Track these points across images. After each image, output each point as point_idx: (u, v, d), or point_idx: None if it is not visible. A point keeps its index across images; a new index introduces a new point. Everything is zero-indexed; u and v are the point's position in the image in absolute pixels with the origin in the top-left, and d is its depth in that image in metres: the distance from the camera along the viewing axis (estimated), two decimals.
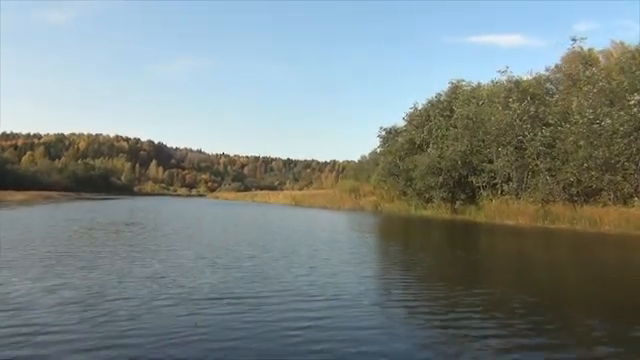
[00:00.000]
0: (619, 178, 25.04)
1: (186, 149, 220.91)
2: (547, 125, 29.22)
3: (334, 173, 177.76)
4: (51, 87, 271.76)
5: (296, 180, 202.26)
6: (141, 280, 8.60)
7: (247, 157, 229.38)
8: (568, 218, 25.20)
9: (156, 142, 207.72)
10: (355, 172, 71.53)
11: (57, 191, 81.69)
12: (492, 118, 32.21)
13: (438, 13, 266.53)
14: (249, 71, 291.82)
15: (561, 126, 27.71)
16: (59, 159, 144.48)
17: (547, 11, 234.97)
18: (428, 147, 38.70)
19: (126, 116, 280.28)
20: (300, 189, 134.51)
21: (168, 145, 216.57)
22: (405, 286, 9.01)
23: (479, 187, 34.23)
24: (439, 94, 42.59)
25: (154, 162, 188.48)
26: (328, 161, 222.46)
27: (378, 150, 53.06)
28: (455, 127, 36.50)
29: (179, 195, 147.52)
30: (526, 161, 30.18)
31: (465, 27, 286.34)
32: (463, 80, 41.89)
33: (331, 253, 13.31)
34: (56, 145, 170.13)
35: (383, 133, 47.84)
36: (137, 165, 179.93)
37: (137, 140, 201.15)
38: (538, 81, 33.85)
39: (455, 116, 36.98)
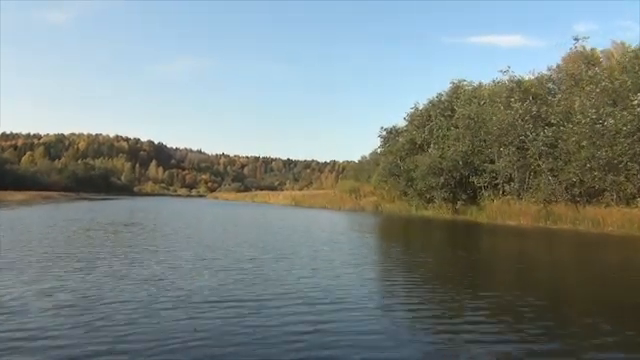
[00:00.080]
0: (622, 178, 24.84)
1: (186, 149, 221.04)
2: (549, 125, 29.05)
3: (334, 173, 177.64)
4: (51, 87, 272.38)
5: (296, 180, 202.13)
6: (139, 282, 8.41)
7: (247, 157, 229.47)
8: (571, 219, 25.02)
9: (156, 142, 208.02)
10: (355, 172, 71.41)
11: (57, 191, 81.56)
12: (494, 118, 32.04)
13: (438, 13, 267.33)
14: (249, 71, 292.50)
15: (563, 126, 27.52)
16: (59, 159, 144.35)
17: (547, 12, 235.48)
18: (429, 147, 38.53)
19: (126, 116, 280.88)
20: (300, 189, 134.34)
21: (168, 145, 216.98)
22: (409, 288, 8.81)
23: (480, 187, 34.07)
24: (440, 94, 42.53)
25: (154, 162, 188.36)
26: (328, 161, 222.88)
27: (379, 150, 52.98)
28: (456, 127, 36.35)
29: (179, 195, 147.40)
30: (528, 161, 30.00)
31: (465, 27, 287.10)
32: (464, 80, 41.82)
33: (332, 254, 13.13)
34: (56, 145, 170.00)
35: (384, 133, 47.70)
36: (137, 165, 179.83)
37: (137, 140, 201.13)
38: (540, 81, 33.67)
39: (456, 116, 36.83)
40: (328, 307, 7.09)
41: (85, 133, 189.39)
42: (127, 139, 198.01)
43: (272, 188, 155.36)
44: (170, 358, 4.87)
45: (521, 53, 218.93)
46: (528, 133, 29.69)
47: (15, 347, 5.02)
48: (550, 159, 28.36)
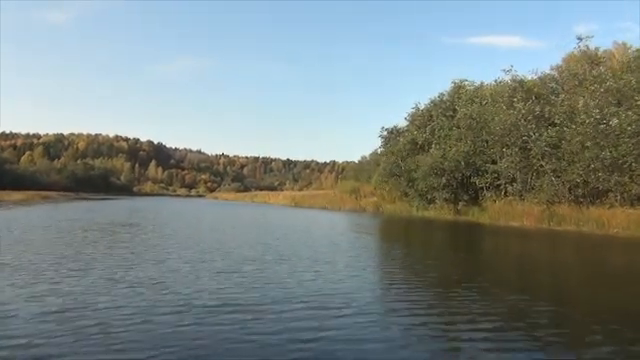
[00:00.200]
0: (626, 179, 24.51)
1: (185, 149, 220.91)
2: (552, 125, 28.72)
3: (334, 174, 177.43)
4: (51, 87, 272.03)
5: (295, 181, 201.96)
6: (136, 286, 8.10)
7: (247, 157, 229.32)
8: (574, 220, 24.70)
9: (155, 142, 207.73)
10: (355, 173, 71.14)
11: (56, 191, 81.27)
12: (496, 118, 31.72)
13: (437, 13, 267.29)
14: (249, 71, 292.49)
15: (567, 126, 27.19)
16: (58, 159, 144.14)
17: (546, 13, 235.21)
18: (430, 147, 38.18)
19: (126, 116, 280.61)
20: (300, 190, 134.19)
21: (167, 145, 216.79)
22: (415, 293, 8.50)
23: (482, 188, 33.77)
24: (442, 94, 42.18)
25: (153, 162, 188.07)
26: (328, 162, 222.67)
27: (379, 150, 52.65)
28: (458, 127, 36.03)
29: (178, 195, 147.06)
30: (531, 162, 29.67)
31: (464, 28, 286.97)
32: (466, 80, 41.48)
33: (335, 256, 12.81)
34: (55, 145, 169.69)
35: (385, 133, 47.29)
36: (136, 165, 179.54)
37: (136, 140, 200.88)
38: (543, 81, 33.35)
39: (458, 116, 36.51)
40: (332, 312, 6.79)
41: (85, 133, 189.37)
42: (127, 139, 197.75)
43: (272, 188, 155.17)
44: None
45: (520, 54, 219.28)
46: (531, 133, 29.36)
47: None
48: (553, 159, 28.03)
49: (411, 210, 38.40)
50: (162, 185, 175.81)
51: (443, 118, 38.98)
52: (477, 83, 40.90)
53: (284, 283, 8.80)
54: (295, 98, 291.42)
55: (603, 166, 24.92)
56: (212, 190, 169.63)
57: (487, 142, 33.35)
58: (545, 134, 28.41)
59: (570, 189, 27.27)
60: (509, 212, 29.25)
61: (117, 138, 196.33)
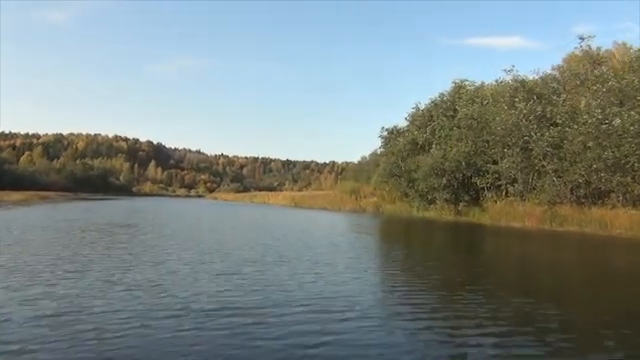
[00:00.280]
0: (629, 180, 24.33)
1: (185, 149, 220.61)
2: (554, 125, 28.52)
3: (333, 174, 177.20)
4: (51, 87, 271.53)
5: (295, 181, 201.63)
6: (133, 289, 7.89)
7: (246, 158, 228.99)
8: (577, 221, 24.50)
9: (155, 142, 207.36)
10: (355, 173, 70.96)
11: (55, 191, 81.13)
12: (497, 118, 31.53)
13: (436, 14, 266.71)
14: (249, 71, 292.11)
15: (569, 126, 26.99)
16: (57, 159, 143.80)
17: (545, 14, 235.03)
18: (431, 148, 37.99)
19: (126, 116, 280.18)
20: (299, 190, 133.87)
21: (167, 145, 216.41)
22: (418, 296, 8.31)
23: (483, 188, 33.59)
24: (442, 94, 41.97)
25: (153, 162, 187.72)
26: (327, 162, 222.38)
27: (379, 151, 52.44)
28: (459, 127, 35.83)
29: (178, 196, 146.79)
30: (532, 162, 29.47)
31: (463, 29, 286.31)
32: (466, 80, 41.29)
33: (335, 257, 12.62)
34: (54, 145, 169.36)
35: (385, 133, 47.04)
36: (136, 165, 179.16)
37: (136, 140, 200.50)
38: (545, 80, 33.14)
39: (459, 116, 36.31)
40: (335, 316, 6.60)
41: (84, 133, 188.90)
42: (126, 139, 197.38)
43: (271, 189, 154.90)
44: None
45: (520, 55, 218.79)
46: (532, 133, 29.18)
47: None
48: (555, 160, 27.84)
49: (411, 210, 38.21)
50: (161, 185, 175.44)
51: (444, 118, 38.79)
52: (478, 83, 40.79)
53: (285, 285, 8.61)
54: (295, 98, 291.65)
55: (605, 166, 24.73)
56: (211, 190, 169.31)
57: (488, 142, 33.16)
58: (547, 134, 28.23)
59: (572, 190, 27.09)
60: (510, 213, 29.06)
61: (116, 138, 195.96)
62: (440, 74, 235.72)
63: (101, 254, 11.95)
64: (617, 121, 24.43)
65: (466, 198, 34.47)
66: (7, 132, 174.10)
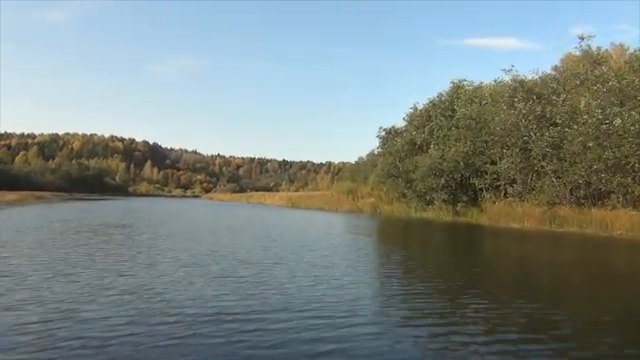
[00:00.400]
0: (629, 180, 24.11)
1: (181, 150, 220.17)
2: (554, 125, 28.28)
3: (330, 175, 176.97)
4: (51, 87, 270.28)
5: (291, 181, 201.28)
6: (125, 294, 7.55)
7: (242, 158, 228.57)
8: (577, 221, 24.26)
9: (151, 142, 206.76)
10: (352, 173, 70.59)
11: (50, 191, 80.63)
12: (496, 118, 31.27)
13: (435, 15, 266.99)
14: (246, 71, 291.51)
15: (569, 127, 26.76)
16: (53, 159, 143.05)
17: (543, 15, 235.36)
18: (429, 148, 37.70)
19: (124, 116, 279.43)
20: (296, 190, 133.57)
21: (163, 145, 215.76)
22: (422, 300, 7.97)
23: (482, 189, 33.35)
24: (440, 94, 41.70)
25: (149, 163, 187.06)
26: (324, 162, 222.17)
27: (376, 151, 52.14)
28: (457, 127, 35.57)
29: (174, 196, 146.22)
30: (531, 162, 29.22)
31: (461, 29, 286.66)
32: (465, 80, 41.06)
33: (334, 259, 12.31)
34: (50, 145, 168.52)
35: (382, 133, 46.74)
36: (132, 165, 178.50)
37: (132, 140, 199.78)
38: (544, 80, 32.90)
39: (457, 116, 36.06)
40: (337, 322, 6.30)
41: (80, 133, 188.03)
42: (122, 139, 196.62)
43: (267, 189, 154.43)
44: None
45: (517, 55, 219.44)
46: (532, 134, 28.94)
47: None
48: (554, 160, 27.60)
49: (409, 211, 37.93)
50: (157, 185, 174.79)
51: (442, 118, 38.52)
52: (476, 83, 40.55)
53: (283, 289, 8.29)
54: (294, 98, 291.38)
55: (605, 167, 24.50)
56: (208, 191, 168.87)
57: (487, 142, 32.91)
58: (546, 134, 27.99)
59: (571, 190, 26.87)
60: (509, 213, 28.82)
61: (112, 138, 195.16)
62: (439, 74, 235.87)
63: (93, 256, 11.57)
64: (618, 121, 24.21)
65: (464, 199, 34.21)
66: (2, 132, 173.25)
